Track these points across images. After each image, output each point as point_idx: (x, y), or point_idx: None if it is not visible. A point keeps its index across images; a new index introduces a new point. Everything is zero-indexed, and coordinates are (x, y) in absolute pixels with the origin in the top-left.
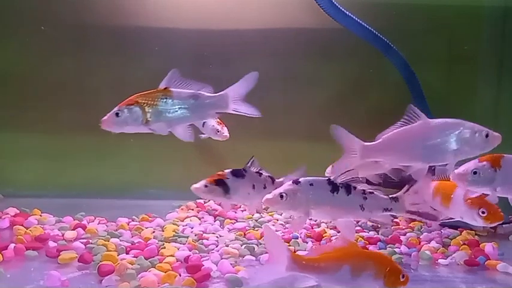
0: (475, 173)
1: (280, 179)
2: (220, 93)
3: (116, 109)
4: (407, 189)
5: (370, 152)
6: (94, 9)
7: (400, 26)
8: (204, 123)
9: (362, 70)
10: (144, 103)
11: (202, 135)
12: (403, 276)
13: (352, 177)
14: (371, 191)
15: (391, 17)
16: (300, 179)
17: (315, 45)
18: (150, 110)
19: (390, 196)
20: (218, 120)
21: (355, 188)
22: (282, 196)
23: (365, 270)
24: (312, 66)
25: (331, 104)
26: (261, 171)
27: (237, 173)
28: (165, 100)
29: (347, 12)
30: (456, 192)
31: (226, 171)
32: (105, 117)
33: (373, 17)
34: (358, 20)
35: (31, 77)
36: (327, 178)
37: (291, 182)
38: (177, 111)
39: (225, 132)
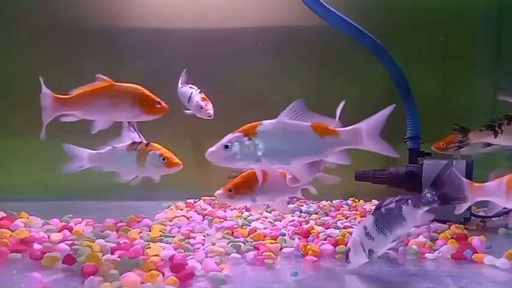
0: (226, 147)
1: None
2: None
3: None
4: None
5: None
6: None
7: (396, 23)
8: (189, 99)
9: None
10: None
11: (188, 112)
12: None
13: None
14: None
15: (387, 14)
16: None
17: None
18: None
19: None
20: (203, 96)
21: None
22: None
23: None
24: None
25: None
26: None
27: None
28: None
29: (331, 9)
30: None
31: None
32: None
33: (371, 15)
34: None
35: (15, 81)
36: None
37: None
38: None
39: (209, 109)
